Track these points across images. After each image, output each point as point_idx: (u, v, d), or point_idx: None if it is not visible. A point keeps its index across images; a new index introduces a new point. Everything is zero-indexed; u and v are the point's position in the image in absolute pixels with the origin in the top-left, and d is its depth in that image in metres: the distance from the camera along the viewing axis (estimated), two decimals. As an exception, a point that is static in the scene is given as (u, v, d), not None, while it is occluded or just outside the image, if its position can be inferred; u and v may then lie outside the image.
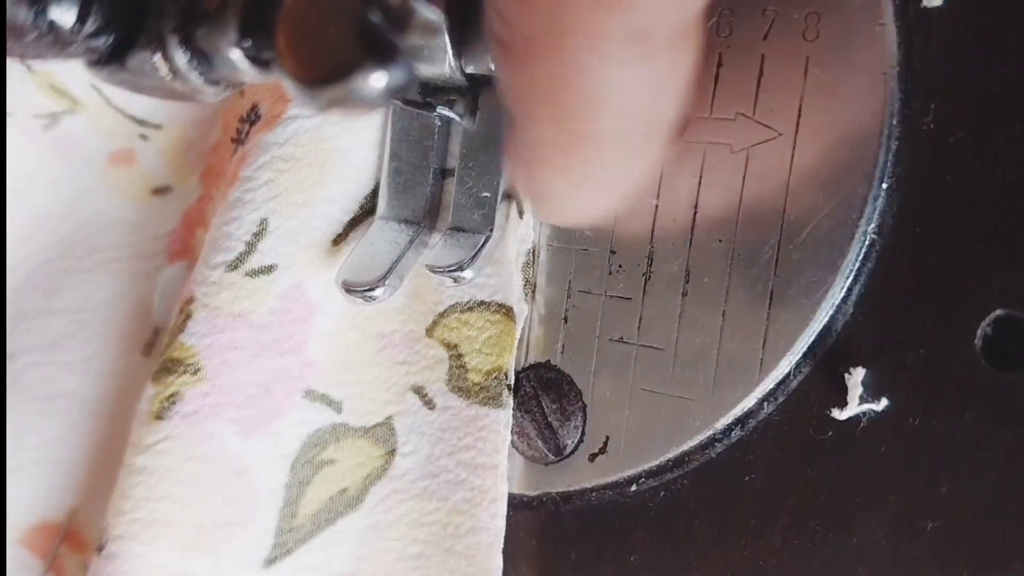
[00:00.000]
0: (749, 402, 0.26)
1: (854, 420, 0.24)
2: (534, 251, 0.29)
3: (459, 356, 0.28)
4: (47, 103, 0.34)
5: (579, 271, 0.28)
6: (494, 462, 0.27)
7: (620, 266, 0.27)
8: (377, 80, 0.17)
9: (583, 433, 0.27)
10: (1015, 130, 0.23)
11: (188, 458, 0.28)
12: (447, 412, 0.28)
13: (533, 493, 0.28)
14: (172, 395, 0.28)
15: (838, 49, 0.25)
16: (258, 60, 0.19)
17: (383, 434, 0.29)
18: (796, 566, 0.25)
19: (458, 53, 0.24)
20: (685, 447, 0.26)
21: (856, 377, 0.24)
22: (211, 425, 0.28)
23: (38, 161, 0.34)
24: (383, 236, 0.28)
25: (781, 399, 0.25)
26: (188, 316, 0.29)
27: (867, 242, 0.24)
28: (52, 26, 0.18)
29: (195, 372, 0.28)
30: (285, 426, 0.29)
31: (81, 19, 0.19)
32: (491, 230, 0.28)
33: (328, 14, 0.17)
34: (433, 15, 0.18)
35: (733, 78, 0.26)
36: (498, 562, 0.27)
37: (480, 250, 0.27)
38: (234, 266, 0.28)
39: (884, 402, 0.24)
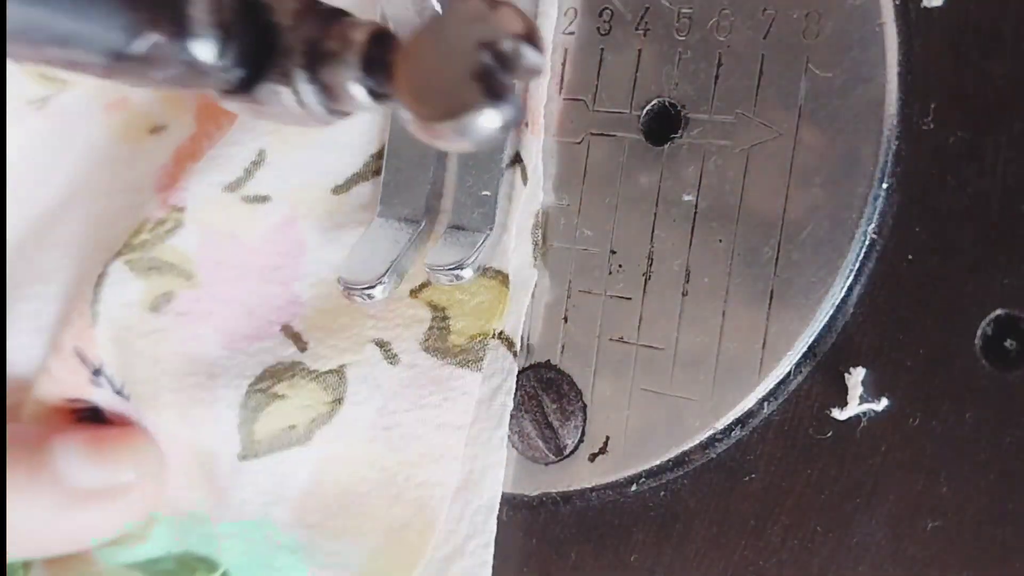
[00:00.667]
0: (749, 402, 0.26)
1: (854, 420, 0.24)
2: (543, 213, 0.28)
3: (444, 319, 0.28)
4: (38, 88, 0.35)
5: (579, 271, 0.28)
6: (460, 422, 0.27)
7: (620, 266, 0.27)
8: (491, 118, 0.18)
9: (583, 433, 0.27)
10: (1015, 130, 0.23)
11: (176, 353, 0.30)
12: (413, 369, 0.28)
13: (533, 493, 0.28)
14: (167, 293, 0.30)
15: (838, 49, 0.25)
16: (376, 94, 0.20)
17: (333, 381, 0.29)
18: (796, 566, 0.25)
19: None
20: (685, 447, 0.26)
21: (856, 377, 0.24)
22: (200, 328, 0.30)
23: (35, 133, 0.35)
24: (382, 234, 0.28)
25: (781, 399, 0.25)
26: (178, 224, 0.30)
27: (867, 242, 0.24)
28: (193, 61, 0.20)
29: (189, 278, 0.30)
30: (255, 350, 0.30)
31: (219, 54, 0.20)
32: (491, 228, 0.28)
33: (444, 56, 0.19)
34: (539, 59, 0.19)
35: (733, 78, 0.26)
36: (486, 538, 0.27)
37: (480, 248, 0.27)
38: (232, 188, 0.30)
39: (884, 402, 0.24)
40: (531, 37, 0.19)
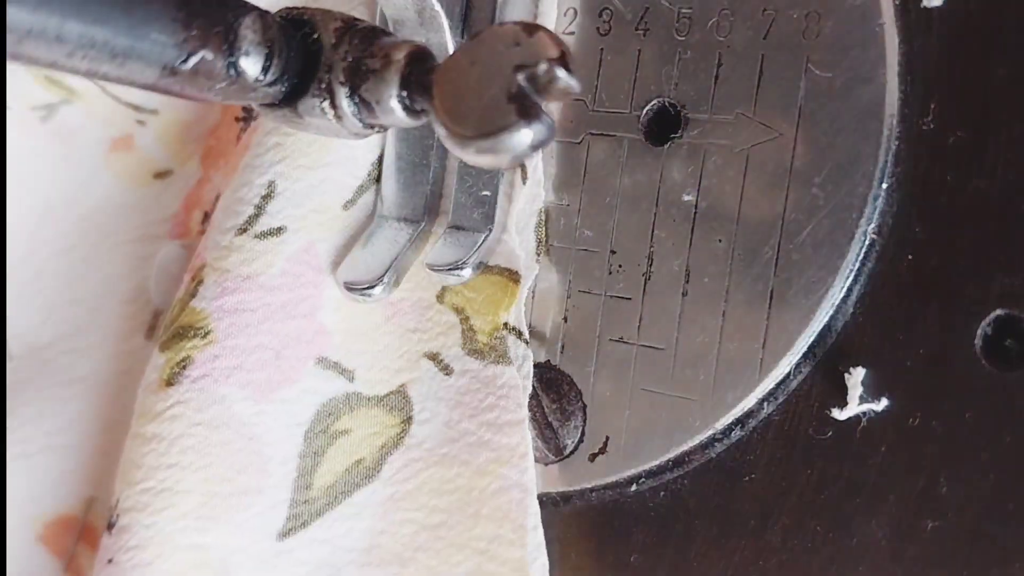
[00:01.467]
0: (749, 402, 0.26)
1: (854, 420, 0.24)
2: (545, 211, 0.28)
3: (467, 319, 0.28)
4: (44, 95, 0.34)
5: (579, 271, 0.28)
6: (518, 418, 0.27)
7: (620, 266, 0.27)
8: (524, 137, 0.19)
9: (583, 433, 0.27)
10: (1015, 130, 0.23)
11: (197, 423, 0.28)
12: (466, 375, 0.28)
13: (533, 493, 0.28)
14: (183, 360, 0.28)
15: (838, 49, 0.25)
16: (413, 110, 0.21)
17: (397, 402, 0.28)
18: (796, 566, 0.25)
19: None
20: (685, 447, 0.26)
21: (856, 377, 0.24)
22: (221, 389, 0.28)
23: (38, 152, 0.35)
24: (383, 234, 0.28)
25: (781, 399, 0.25)
26: (200, 282, 0.29)
27: (867, 242, 0.24)
28: (240, 75, 0.21)
29: (205, 335, 0.28)
30: (297, 393, 0.28)
31: (264, 70, 0.21)
32: (491, 229, 0.28)
33: (481, 76, 0.20)
34: (572, 82, 0.20)
35: (733, 78, 0.26)
36: (534, 519, 0.27)
37: (480, 248, 0.27)
38: (243, 229, 0.29)
39: (884, 402, 0.24)
40: (564, 61, 0.19)
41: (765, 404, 0.25)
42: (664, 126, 0.27)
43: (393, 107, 0.21)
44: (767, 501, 0.25)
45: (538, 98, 0.19)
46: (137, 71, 0.19)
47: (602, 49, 0.27)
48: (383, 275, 0.28)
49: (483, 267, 0.28)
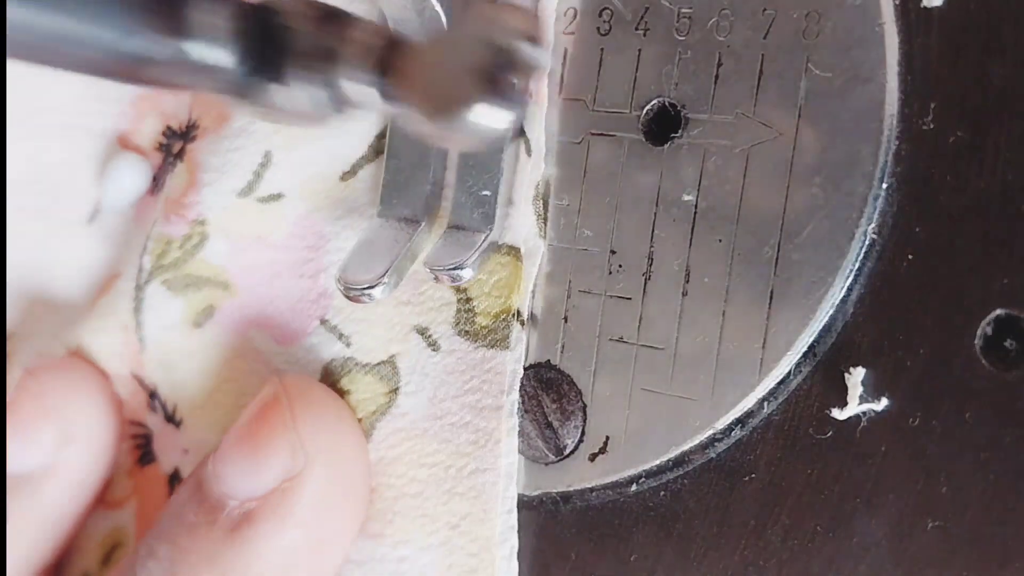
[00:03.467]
0: (749, 402, 0.26)
1: (854, 420, 0.24)
2: (546, 184, 0.28)
3: (468, 300, 0.28)
4: None
5: (579, 271, 0.28)
6: (499, 403, 0.27)
7: (620, 266, 0.27)
8: (490, 115, 0.19)
9: (583, 433, 0.27)
10: (1015, 130, 0.23)
11: (231, 356, 0.31)
12: (453, 355, 0.28)
13: (533, 493, 0.28)
14: (208, 308, 0.31)
15: (838, 49, 0.25)
16: (387, 95, 0.21)
17: (387, 372, 0.29)
18: (796, 566, 0.25)
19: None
20: (685, 447, 0.26)
21: (856, 377, 0.24)
22: (249, 331, 0.31)
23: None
24: (382, 234, 0.28)
25: (781, 399, 0.25)
26: (204, 237, 0.30)
27: (867, 242, 0.24)
28: (205, 65, 0.20)
29: (226, 288, 0.31)
30: (308, 347, 0.30)
31: (233, 60, 0.21)
32: (491, 229, 0.28)
33: (450, 55, 0.19)
34: (541, 56, 0.20)
35: (733, 78, 0.26)
36: (508, 503, 0.27)
37: (480, 249, 0.27)
38: (245, 193, 0.30)
39: (884, 402, 0.24)
40: (534, 36, 0.19)
41: (765, 404, 0.25)
42: (664, 126, 0.27)
43: (364, 92, 0.21)
44: (767, 501, 0.25)
45: (506, 75, 0.19)
46: (93, 60, 0.19)
47: (602, 49, 0.27)
48: (384, 275, 0.28)
49: (493, 246, 0.28)
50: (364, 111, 0.22)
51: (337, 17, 0.22)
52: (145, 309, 0.31)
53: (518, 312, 0.28)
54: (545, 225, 0.28)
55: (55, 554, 0.31)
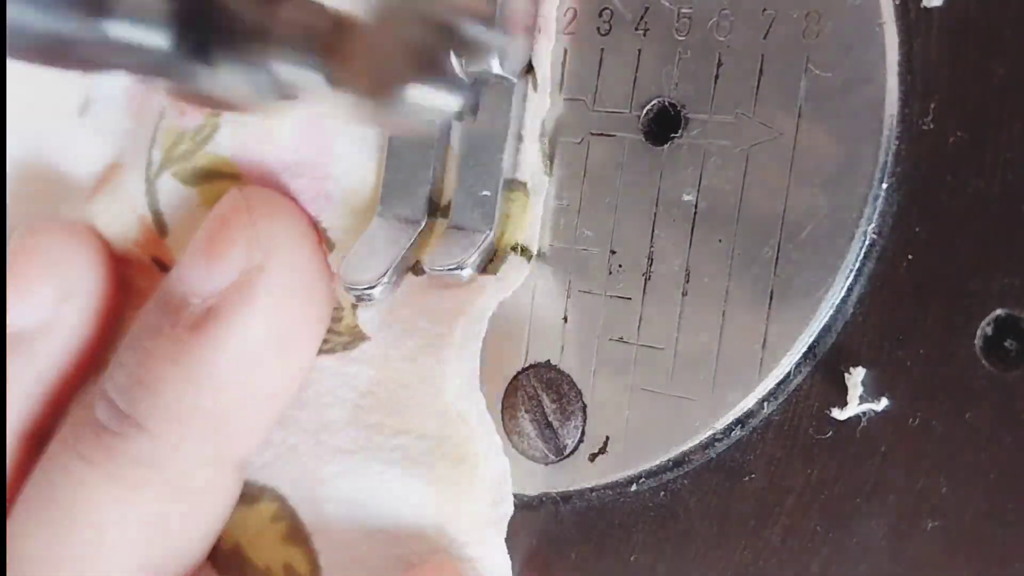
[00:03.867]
0: (749, 402, 0.26)
1: (854, 420, 0.24)
2: (553, 125, 0.28)
3: None
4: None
5: (579, 271, 0.28)
6: (458, 311, 0.27)
7: (620, 266, 0.27)
8: (429, 96, 0.18)
9: (583, 433, 0.27)
10: (1015, 130, 0.23)
11: None
12: (425, 275, 0.28)
13: (533, 493, 0.28)
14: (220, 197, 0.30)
15: (838, 49, 0.25)
16: (336, 80, 0.20)
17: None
18: (796, 566, 0.25)
19: (460, 52, 0.24)
20: (685, 447, 0.26)
21: (856, 377, 0.24)
22: None
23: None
24: (382, 234, 0.28)
25: (781, 399, 0.25)
26: (215, 128, 0.31)
27: (867, 242, 0.24)
28: (147, 50, 0.19)
29: (235, 179, 0.31)
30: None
31: (175, 44, 0.19)
32: (491, 229, 0.28)
33: (389, 37, 0.18)
34: (488, 37, 0.19)
35: (733, 78, 0.26)
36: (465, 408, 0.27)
37: (480, 249, 0.27)
38: None
39: (884, 402, 0.24)
40: (482, 13, 0.18)
41: (765, 404, 0.25)
42: (664, 126, 0.27)
43: (315, 78, 0.20)
44: (767, 501, 0.25)
45: (450, 55, 0.18)
46: (36, 49, 0.18)
47: (602, 49, 0.27)
48: (384, 275, 0.28)
49: (506, 183, 0.28)
50: (307, 98, 0.21)
51: None
52: (161, 200, 0.31)
53: (521, 247, 0.28)
54: (551, 164, 0.28)
55: (46, 418, 0.31)
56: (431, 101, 0.18)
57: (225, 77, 0.20)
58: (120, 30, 0.19)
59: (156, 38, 0.19)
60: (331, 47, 0.20)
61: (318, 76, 0.20)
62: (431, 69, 0.18)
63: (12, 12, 0.17)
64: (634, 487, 0.27)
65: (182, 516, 0.28)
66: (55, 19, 0.18)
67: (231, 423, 0.28)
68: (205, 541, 0.30)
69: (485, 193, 0.28)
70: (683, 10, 0.27)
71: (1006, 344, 0.23)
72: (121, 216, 0.32)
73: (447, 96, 0.18)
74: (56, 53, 0.19)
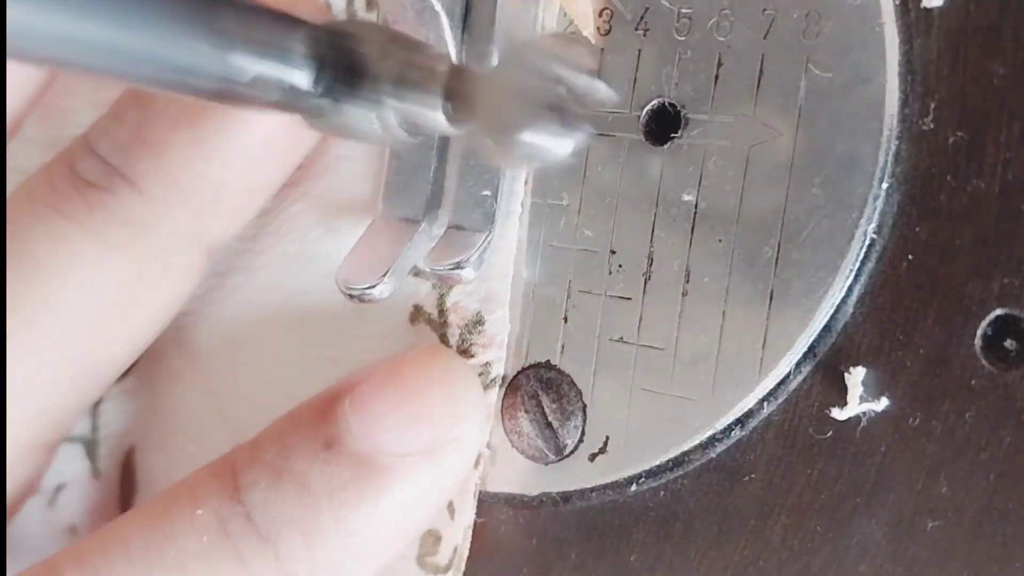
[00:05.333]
0: (749, 402, 0.26)
1: (854, 420, 0.24)
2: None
3: None
4: None
5: (579, 271, 0.28)
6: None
7: (620, 266, 0.27)
8: (566, 145, 0.20)
9: (583, 433, 0.27)
10: (1015, 130, 0.23)
11: None
12: None
13: (533, 493, 0.28)
14: None
15: (838, 49, 0.25)
16: (455, 120, 0.22)
17: None
18: (796, 566, 0.25)
19: (460, 51, 0.24)
20: (685, 447, 0.26)
21: (856, 377, 0.24)
22: None
23: None
24: (383, 234, 0.28)
25: (781, 399, 0.25)
26: None
27: (867, 242, 0.24)
28: (291, 89, 0.22)
29: None
30: None
31: (314, 83, 0.22)
32: (491, 229, 0.28)
33: (522, 87, 0.20)
34: (608, 93, 0.21)
35: (733, 78, 0.26)
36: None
37: (480, 249, 0.27)
38: None
39: (884, 402, 0.24)
40: (590, 68, 0.21)
41: (765, 404, 0.25)
42: (664, 126, 0.27)
43: (436, 117, 0.22)
44: (767, 501, 0.25)
45: (577, 108, 0.20)
46: (189, 85, 0.20)
47: (602, 49, 0.27)
48: (384, 275, 0.28)
49: None
50: (427, 132, 0.23)
51: (411, 45, 0.23)
52: None
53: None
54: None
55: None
56: (551, 145, 0.20)
57: (355, 113, 0.22)
58: (274, 73, 0.21)
59: (303, 79, 0.22)
60: (453, 91, 0.22)
61: (440, 116, 0.22)
62: (549, 116, 0.20)
63: (183, 56, 0.19)
64: (634, 487, 0.27)
65: (149, 289, 0.28)
66: (221, 67, 0.20)
67: (223, 200, 0.27)
68: (159, 324, 0.29)
69: (485, 193, 0.28)
70: (683, 10, 0.27)
71: (1006, 344, 0.23)
72: None
73: (567, 141, 0.20)
74: (213, 94, 0.21)
